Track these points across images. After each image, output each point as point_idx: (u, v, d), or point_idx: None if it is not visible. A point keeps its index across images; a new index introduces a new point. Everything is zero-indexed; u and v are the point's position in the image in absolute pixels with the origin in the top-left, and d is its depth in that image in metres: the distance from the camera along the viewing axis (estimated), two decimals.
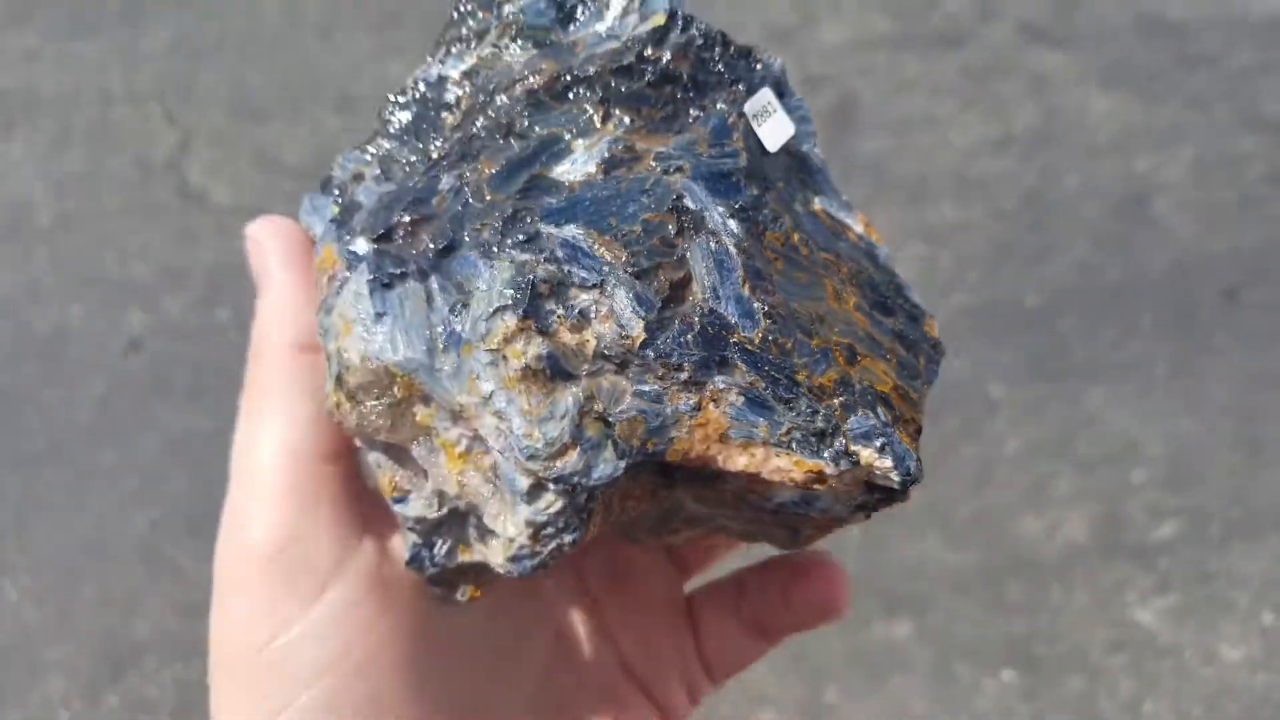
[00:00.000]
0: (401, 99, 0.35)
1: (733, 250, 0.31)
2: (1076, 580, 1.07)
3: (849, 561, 1.07)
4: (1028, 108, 1.21)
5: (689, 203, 0.31)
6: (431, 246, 0.31)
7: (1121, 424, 1.13)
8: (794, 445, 0.31)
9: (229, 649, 0.33)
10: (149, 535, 1.08)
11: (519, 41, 0.35)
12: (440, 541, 0.34)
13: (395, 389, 0.31)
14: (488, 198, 0.31)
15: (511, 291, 0.30)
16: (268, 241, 0.35)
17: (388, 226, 0.32)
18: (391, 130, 0.35)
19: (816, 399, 0.31)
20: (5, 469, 1.08)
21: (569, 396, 0.30)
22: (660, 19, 0.35)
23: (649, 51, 0.35)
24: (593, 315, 0.30)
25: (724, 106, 0.34)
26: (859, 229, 0.36)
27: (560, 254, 0.30)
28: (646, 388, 0.31)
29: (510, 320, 0.30)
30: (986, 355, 1.14)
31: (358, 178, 0.35)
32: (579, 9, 0.35)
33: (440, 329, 0.30)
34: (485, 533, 0.33)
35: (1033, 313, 1.17)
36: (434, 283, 0.31)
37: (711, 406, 0.31)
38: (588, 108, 0.33)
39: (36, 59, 1.24)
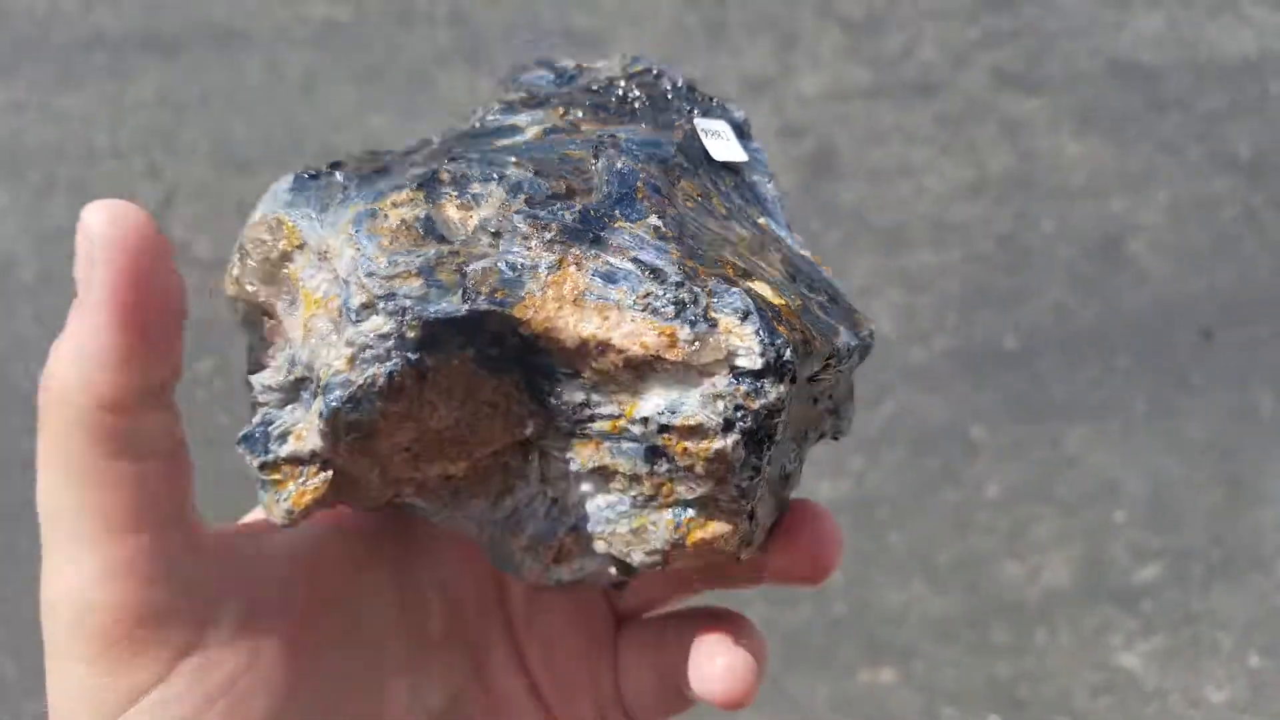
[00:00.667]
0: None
1: (637, 169, 0.33)
2: (1060, 624, 1.07)
3: (833, 608, 1.07)
4: (1002, 153, 1.23)
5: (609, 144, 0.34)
6: (363, 170, 0.32)
7: (1102, 465, 1.14)
8: (652, 311, 0.31)
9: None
10: None
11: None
12: (279, 422, 0.33)
13: (281, 242, 0.32)
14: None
15: (416, 173, 0.32)
16: (102, 235, 0.28)
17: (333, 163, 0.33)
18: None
19: (688, 277, 0.31)
20: None
21: (433, 249, 0.31)
22: (637, 67, 0.38)
23: (619, 79, 0.37)
24: (483, 200, 0.31)
25: (675, 117, 0.37)
26: (803, 253, 0.37)
27: (473, 159, 0.32)
28: (513, 248, 0.31)
29: (402, 192, 0.31)
30: (966, 398, 1.15)
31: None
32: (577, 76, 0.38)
33: (339, 197, 0.31)
34: (316, 394, 0.31)
35: (1012, 355, 1.18)
36: (350, 182, 0.32)
37: (573, 268, 0.31)
38: (552, 109, 0.36)
39: (22, 112, 1.26)
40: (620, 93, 0.37)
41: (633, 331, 0.30)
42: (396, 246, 0.31)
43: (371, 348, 0.30)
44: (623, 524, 0.34)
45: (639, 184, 0.32)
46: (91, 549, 0.29)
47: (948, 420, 1.13)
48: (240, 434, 0.32)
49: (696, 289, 0.31)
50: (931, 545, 1.09)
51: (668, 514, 0.33)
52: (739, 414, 0.31)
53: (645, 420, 0.32)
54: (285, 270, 0.32)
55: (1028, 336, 1.18)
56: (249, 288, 0.33)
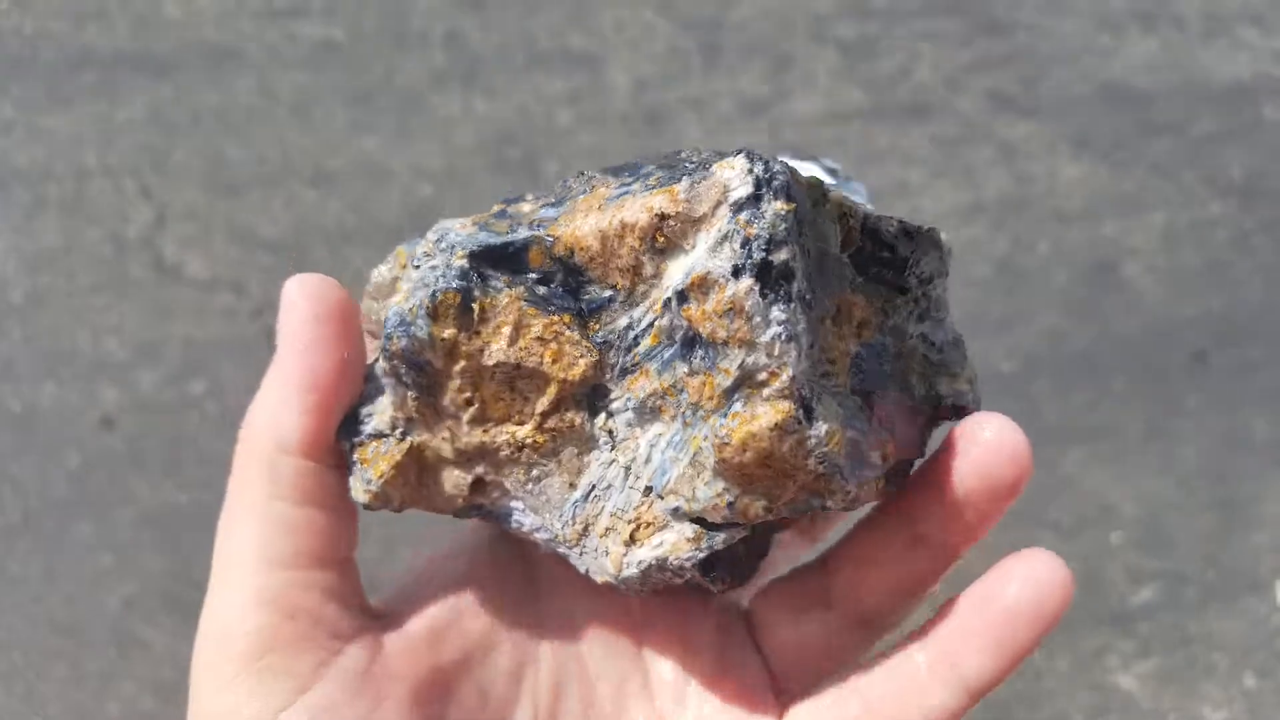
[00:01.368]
0: None
1: None
2: (1056, 646, 1.07)
3: None
4: (997, 176, 1.23)
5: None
6: None
7: (1097, 487, 1.14)
8: (662, 185, 0.31)
9: None
10: (122, 613, 1.07)
11: None
12: (367, 408, 0.34)
13: (394, 268, 0.36)
14: None
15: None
16: (297, 304, 0.33)
17: None
18: None
19: (705, 167, 0.31)
20: None
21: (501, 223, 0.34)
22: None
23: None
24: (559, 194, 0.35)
25: None
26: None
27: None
28: (558, 199, 0.34)
29: (491, 208, 0.35)
30: None
31: None
32: None
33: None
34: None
35: (1007, 378, 1.18)
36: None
37: (602, 188, 0.32)
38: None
39: (10, 131, 1.24)
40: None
41: (642, 204, 0.31)
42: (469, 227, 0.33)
43: (423, 279, 0.32)
44: (682, 458, 0.32)
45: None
46: (245, 578, 0.32)
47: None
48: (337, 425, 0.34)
49: (704, 155, 0.31)
50: None
51: (714, 420, 0.32)
52: (744, 251, 0.29)
53: (668, 302, 0.31)
54: (396, 286, 0.35)
55: (1023, 360, 1.19)
56: (372, 319, 0.36)
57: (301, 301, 0.33)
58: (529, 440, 0.33)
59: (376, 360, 0.34)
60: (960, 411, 0.35)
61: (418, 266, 0.32)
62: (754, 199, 0.29)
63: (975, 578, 0.35)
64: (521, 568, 0.38)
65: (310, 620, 0.33)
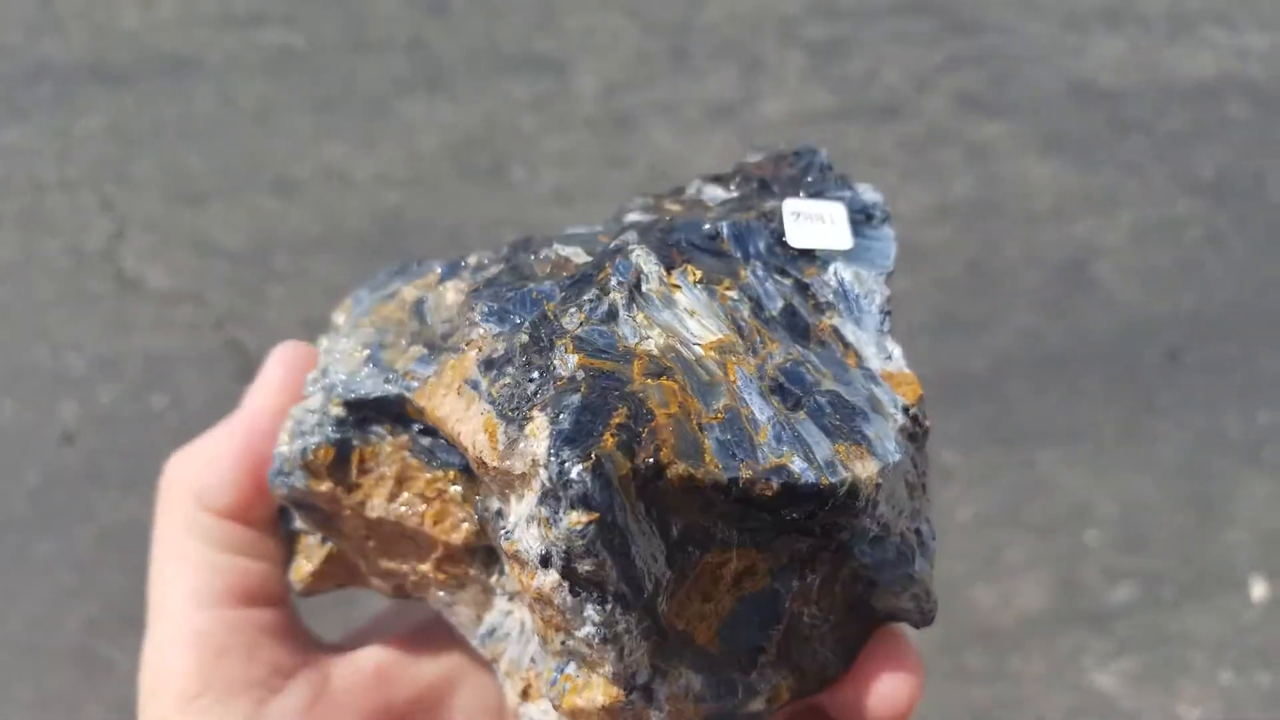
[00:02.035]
0: None
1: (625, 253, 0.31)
2: (1034, 647, 1.07)
3: None
4: (967, 177, 1.23)
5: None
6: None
7: (1072, 487, 1.14)
8: (495, 400, 0.28)
9: None
10: (84, 633, 1.05)
11: None
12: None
13: (340, 314, 0.35)
14: None
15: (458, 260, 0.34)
16: (268, 371, 0.34)
17: None
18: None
19: (539, 353, 0.28)
20: None
21: (410, 329, 0.32)
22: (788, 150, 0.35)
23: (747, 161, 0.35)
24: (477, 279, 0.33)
25: (773, 199, 0.33)
26: (876, 366, 0.31)
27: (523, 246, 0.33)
28: (452, 331, 0.31)
29: (432, 274, 0.34)
30: (937, 423, 1.14)
31: None
32: None
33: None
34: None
35: (981, 379, 1.18)
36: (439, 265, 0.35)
37: (472, 353, 0.30)
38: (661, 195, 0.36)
39: None
40: (739, 172, 0.34)
41: (474, 426, 0.28)
42: (377, 323, 0.32)
43: (300, 425, 0.31)
44: (544, 669, 0.30)
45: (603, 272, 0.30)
46: (174, 620, 0.32)
47: None
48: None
49: (535, 374, 0.28)
50: None
51: (552, 665, 0.29)
52: (549, 544, 0.26)
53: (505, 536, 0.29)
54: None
55: (996, 361, 1.18)
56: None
57: (275, 370, 0.34)
58: (432, 576, 0.33)
59: None
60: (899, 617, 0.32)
61: (306, 395, 0.32)
62: (553, 496, 0.26)
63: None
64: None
65: (244, 658, 0.32)
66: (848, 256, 0.32)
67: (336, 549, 0.33)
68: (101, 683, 1.04)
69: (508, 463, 0.27)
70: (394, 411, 0.31)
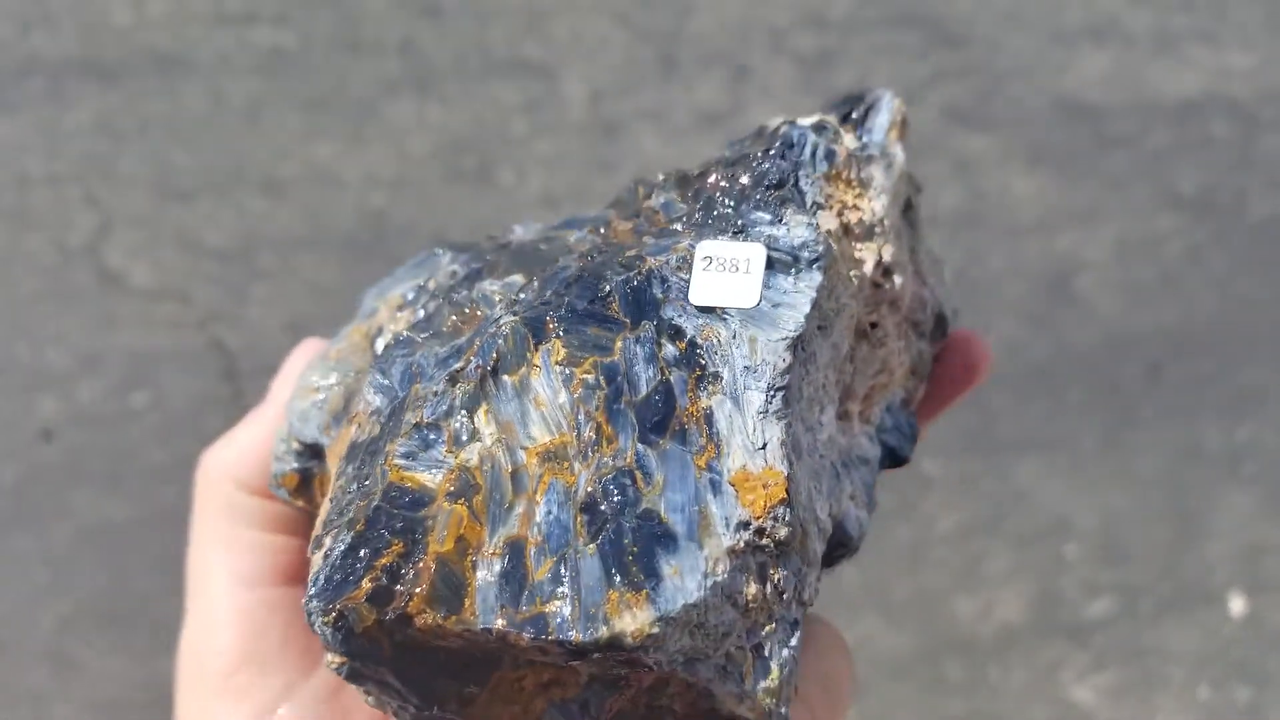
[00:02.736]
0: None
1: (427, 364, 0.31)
2: (1013, 659, 1.07)
3: None
4: (952, 189, 1.24)
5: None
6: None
7: (1052, 499, 1.14)
8: (330, 505, 0.29)
9: None
10: (57, 632, 1.04)
11: None
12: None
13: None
14: None
15: (429, 283, 0.36)
16: (291, 366, 0.36)
17: None
18: None
19: (361, 487, 0.29)
20: None
21: (357, 367, 0.33)
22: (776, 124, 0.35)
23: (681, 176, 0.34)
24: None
25: (711, 229, 0.31)
26: (733, 465, 0.28)
27: (467, 272, 0.34)
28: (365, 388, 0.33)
29: (400, 291, 0.35)
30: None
31: None
32: None
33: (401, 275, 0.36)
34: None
35: None
36: (440, 261, 0.36)
37: (353, 428, 0.31)
38: (607, 213, 0.37)
39: None
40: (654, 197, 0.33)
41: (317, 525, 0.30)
42: (344, 354, 0.33)
43: (278, 446, 0.33)
44: None
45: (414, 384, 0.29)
46: (215, 599, 0.34)
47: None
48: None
49: (354, 486, 0.28)
50: (885, 581, 1.09)
51: None
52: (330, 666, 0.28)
53: None
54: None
55: None
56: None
57: (298, 364, 0.36)
58: None
59: None
60: None
61: (287, 414, 0.34)
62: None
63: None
64: None
65: (281, 637, 0.33)
66: (750, 316, 0.29)
67: None
68: (72, 682, 1.03)
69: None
70: None
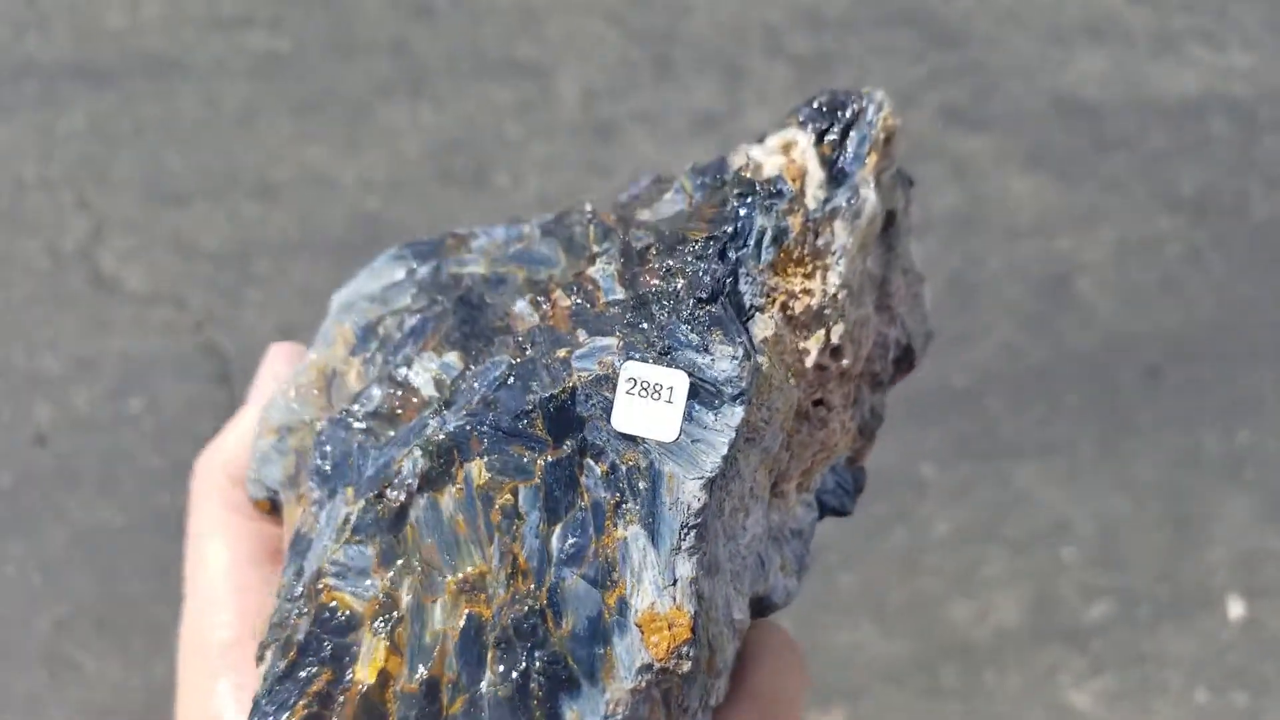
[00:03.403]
0: None
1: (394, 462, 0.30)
2: (1009, 664, 1.06)
3: None
4: (949, 191, 1.23)
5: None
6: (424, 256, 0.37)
7: (1050, 503, 1.13)
8: (276, 601, 0.30)
9: None
10: (53, 635, 1.04)
11: None
12: None
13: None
14: None
15: (390, 310, 0.35)
16: (264, 371, 0.38)
17: None
18: None
19: (295, 604, 0.30)
20: None
21: (313, 411, 0.34)
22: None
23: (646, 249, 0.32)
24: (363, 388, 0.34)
25: (653, 332, 0.30)
26: (641, 604, 0.28)
27: (408, 333, 0.34)
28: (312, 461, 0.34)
29: (345, 324, 0.35)
30: (916, 437, 1.14)
31: None
32: None
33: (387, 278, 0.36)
34: None
35: (960, 394, 1.17)
36: (402, 266, 0.36)
37: (299, 509, 0.32)
38: (550, 273, 0.36)
39: None
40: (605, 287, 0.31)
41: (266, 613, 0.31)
42: (303, 392, 0.34)
43: (250, 472, 0.34)
44: None
45: (348, 489, 0.30)
46: (220, 579, 0.34)
47: (897, 459, 1.12)
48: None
49: (289, 616, 0.29)
50: (882, 586, 1.08)
51: None
52: None
53: None
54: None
55: (976, 375, 1.18)
56: None
57: (279, 364, 0.37)
58: None
59: None
60: None
61: (256, 438, 0.35)
62: None
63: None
64: None
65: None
66: (668, 450, 0.28)
67: None
68: (68, 686, 1.03)
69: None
70: None
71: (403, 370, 0.32)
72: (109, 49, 1.28)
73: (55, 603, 1.05)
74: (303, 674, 0.28)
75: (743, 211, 0.31)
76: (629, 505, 0.28)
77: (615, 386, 0.29)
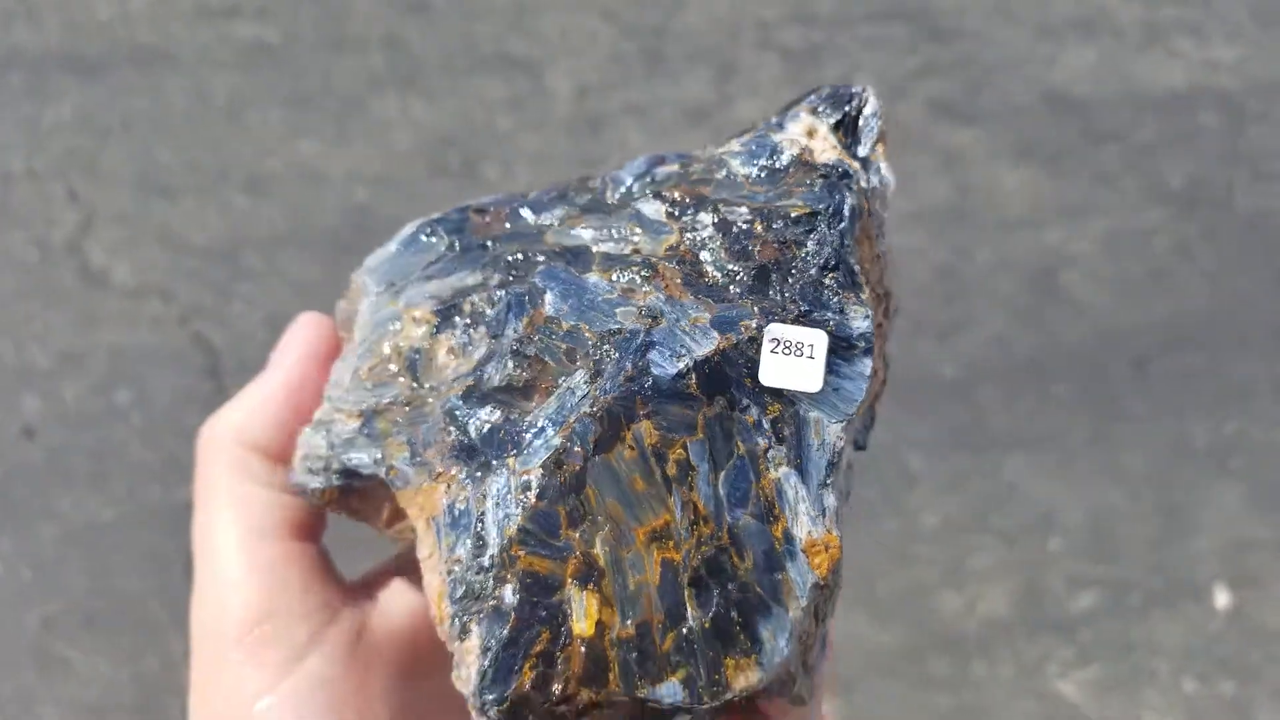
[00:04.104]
0: None
1: (575, 411, 0.31)
2: (999, 654, 1.07)
3: None
4: (939, 184, 1.23)
5: None
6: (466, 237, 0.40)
7: (1039, 494, 1.14)
8: (446, 582, 0.31)
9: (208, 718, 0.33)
10: (42, 632, 1.03)
11: None
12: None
13: (349, 302, 0.38)
14: None
15: (457, 284, 0.36)
16: (292, 337, 0.36)
17: None
18: None
19: (502, 566, 0.30)
20: None
21: (396, 390, 0.34)
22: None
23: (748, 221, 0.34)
24: (471, 352, 0.34)
25: (772, 307, 0.32)
26: (801, 533, 0.32)
27: (506, 295, 0.35)
28: (430, 436, 0.34)
29: (424, 308, 0.35)
30: (906, 427, 1.15)
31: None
32: None
33: (413, 275, 0.37)
34: None
35: (950, 385, 1.18)
36: (434, 256, 0.38)
37: (441, 488, 0.32)
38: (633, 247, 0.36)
39: None
40: (723, 259, 0.33)
41: (432, 585, 0.31)
42: (377, 374, 0.34)
43: (309, 460, 0.34)
44: None
45: (562, 430, 0.31)
46: (232, 553, 0.33)
47: (887, 450, 1.13)
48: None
49: (486, 588, 0.30)
50: (872, 577, 1.09)
51: None
52: None
53: None
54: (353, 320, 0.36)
55: (966, 367, 1.19)
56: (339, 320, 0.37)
57: (307, 337, 0.36)
58: None
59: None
60: None
61: (313, 429, 0.35)
62: (480, 714, 0.30)
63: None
64: None
65: (300, 590, 0.34)
66: (813, 399, 0.32)
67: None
68: (58, 683, 1.02)
69: (457, 658, 0.30)
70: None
71: (511, 333, 0.33)
72: (97, 40, 1.27)
73: (45, 599, 1.05)
74: (524, 637, 0.29)
75: (838, 193, 0.34)
76: (779, 450, 0.31)
77: (759, 347, 0.32)
